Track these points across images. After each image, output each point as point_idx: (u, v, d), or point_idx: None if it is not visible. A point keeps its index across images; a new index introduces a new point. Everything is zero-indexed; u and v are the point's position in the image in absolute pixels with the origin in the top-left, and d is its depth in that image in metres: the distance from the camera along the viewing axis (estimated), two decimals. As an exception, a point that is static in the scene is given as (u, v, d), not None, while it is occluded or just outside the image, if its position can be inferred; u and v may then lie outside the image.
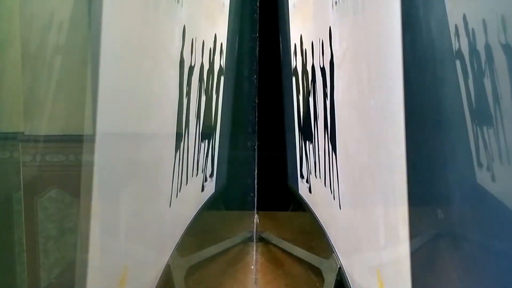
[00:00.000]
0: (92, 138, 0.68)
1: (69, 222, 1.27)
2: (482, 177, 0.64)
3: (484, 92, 0.62)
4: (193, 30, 1.15)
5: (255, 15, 1.37)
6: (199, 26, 1.25)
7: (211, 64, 1.35)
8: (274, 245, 1.42)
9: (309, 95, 1.41)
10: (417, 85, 0.75)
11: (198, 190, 1.39)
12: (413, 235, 0.72)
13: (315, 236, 1.39)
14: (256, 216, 1.41)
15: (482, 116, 0.63)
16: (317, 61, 1.31)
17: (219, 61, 1.42)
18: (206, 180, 1.45)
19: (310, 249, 1.34)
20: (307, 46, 1.42)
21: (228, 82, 1.52)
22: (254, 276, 1.28)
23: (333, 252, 1.20)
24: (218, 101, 1.46)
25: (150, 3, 0.88)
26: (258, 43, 1.36)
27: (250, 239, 1.42)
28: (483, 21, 0.61)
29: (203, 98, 1.32)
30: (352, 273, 1.07)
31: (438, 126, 0.76)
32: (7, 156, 1.30)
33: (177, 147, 1.10)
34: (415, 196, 0.72)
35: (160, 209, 1.04)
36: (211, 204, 1.52)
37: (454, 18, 0.68)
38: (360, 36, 0.97)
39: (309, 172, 1.47)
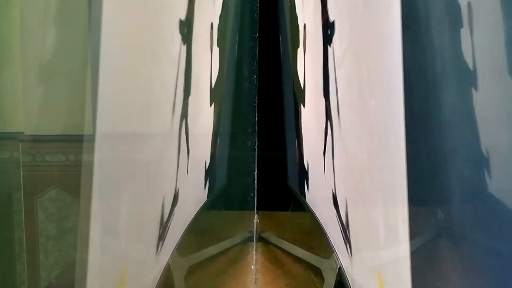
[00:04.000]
0: (92, 138, 0.68)
1: (69, 222, 1.27)
2: (482, 177, 0.64)
3: (484, 91, 0.62)
4: (193, 28, 1.15)
5: (255, 15, 1.37)
6: (199, 23, 1.25)
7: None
8: (274, 245, 1.42)
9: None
10: (417, 84, 0.75)
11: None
12: (413, 235, 0.72)
13: (315, 236, 1.38)
14: (256, 216, 1.41)
15: (482, 115, 0.63)
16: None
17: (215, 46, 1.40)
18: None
19: (310, 249, 1.34)
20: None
21: (228, 82, 1.52)
22: (254, 276, 1.28)
23: (333, 252, 1.20)
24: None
25: (150, 2, 0.88)
26: (258, 43, 1.36)
27: (250, 239, 1.42)
28: (483, 19, 0.61)
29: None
30: (352, 273, 1.07)
31: (438, 126, 0.76)
32: (7, 156, 1.30)
33: (178, 144, 1.11)
34: (415, 196, 0.72)
35: (161, 209, 1.04)
36: (211, 204, 1.52)
37: (454, 17, 0.68)
38: (360, 36, 0.97)
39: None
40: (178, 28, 1.04)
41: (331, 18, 1.17)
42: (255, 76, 1.36)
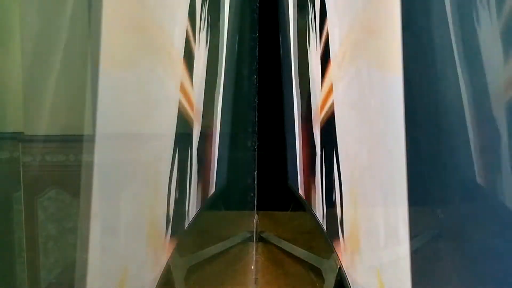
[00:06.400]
0: (92, 138, 0.68)
1: (69, 222, 1.27)
2: (482, 177, 0.64)
3: (484, 91, 0.62)
4: (193, 28, 1.15)
5: (255, 15, 1.37)
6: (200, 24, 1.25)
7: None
8: (274, 245, 1.42)
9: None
10: (417, 84, 0.75)
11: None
12: (413, 235, 0.72)
13: (315, 236, 1.38)
14: (256, 216, 1.41)
15: (483, 115, 0.63)
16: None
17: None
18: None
19: (310, 249, 1.34)
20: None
21: (228, 82, 1.52)
22: (254, 276, 1.28)
23: (333, 252, 1.20)
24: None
25: (150, 2, 0.88)
26: (258, 43, 1.36)
27: (250, 239, 1.42)
28: (483, 20, 0.61)
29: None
30: (352, 273, 1.07)
31: (438, 126, 0.76)
32: (7, 156, 1.30)
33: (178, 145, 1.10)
34: (415, 196, 0.72)
35: (160, 209, 1.04)
36: (211, 204, 1.52)
37: (454, 17, 0.68)
38: (360, 36, 0.97)
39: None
40: (178, 27, 1.04)
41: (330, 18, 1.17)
42: (255, 76, 1.36)
